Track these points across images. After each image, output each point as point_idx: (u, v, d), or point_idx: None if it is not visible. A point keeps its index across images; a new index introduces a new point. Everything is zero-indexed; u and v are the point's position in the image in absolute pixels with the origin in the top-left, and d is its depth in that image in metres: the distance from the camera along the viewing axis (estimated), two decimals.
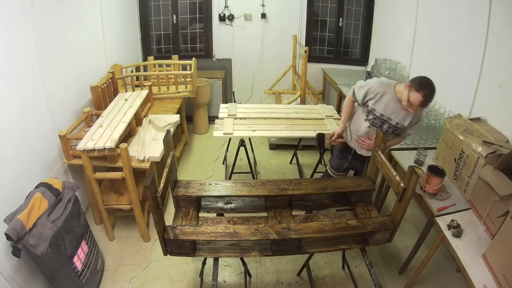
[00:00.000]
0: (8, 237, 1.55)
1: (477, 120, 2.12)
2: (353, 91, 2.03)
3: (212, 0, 4.12)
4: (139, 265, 2.30)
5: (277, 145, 3.80)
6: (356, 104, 2.08)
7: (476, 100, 2.27)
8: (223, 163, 3.49)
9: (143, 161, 2.29)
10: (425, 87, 1.71)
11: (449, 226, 1.72)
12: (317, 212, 1.94)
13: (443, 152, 2.14)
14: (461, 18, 2.45)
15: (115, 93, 2.96)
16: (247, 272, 2.11)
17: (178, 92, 3.47)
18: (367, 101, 1.96)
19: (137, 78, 3.30)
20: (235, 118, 2.72)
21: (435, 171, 1.94)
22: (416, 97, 1.72)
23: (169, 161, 1.63)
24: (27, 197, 1.78)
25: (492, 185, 1.62)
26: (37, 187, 1.82)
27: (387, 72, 3.27)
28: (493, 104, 2.13)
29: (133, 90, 3.07)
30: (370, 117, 1.98)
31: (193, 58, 3.46)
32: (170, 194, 2.97)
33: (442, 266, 2.31)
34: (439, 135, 2.27)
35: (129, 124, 2.46)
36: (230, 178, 2.83)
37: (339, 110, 3.72)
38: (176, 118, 2.83)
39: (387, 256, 2.43)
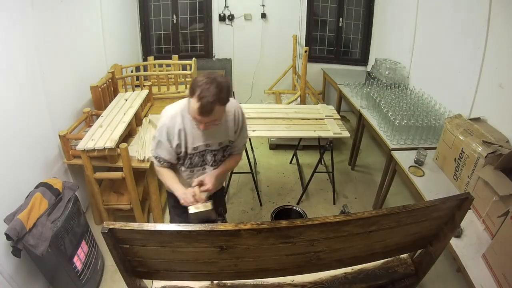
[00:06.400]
0: (8, 237, 1.55)
1: (477, 120, 2.12)
2: (154, 155, 1.54)
3: (212, 0, 4.12)
4: None
5: (277, 145, 3.79)
6: (168, 164, 1.54)
7: (476, 100, 2.27)
8: None
9: (143, 161, 2.29)
10: (200, 86, 1.23)
11: None
12: None
13: (443, 152, 2.14)
14: (461, 18, 2.45)
15: (115, 93, 2.95)
16: None
17: (178, 92, 3.47)
18: (176, 147, 1.47)
19: (137, 78, 3.29)
20: None
21: None
22: (193, 105, 1.27)
23: None
24: (27, 197, 1.78)
25: (492, 185, 1.62)
26: (37, 187, 1.82)
27: (387, 72, 3.27)
28: (493, 104, 2.12)
29: (133, 90, 3.07)
30: (187, 161, 1.53)
31: (193, 58, 3.46)
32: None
33: (442, 266, 2.31)
34: (439, 135, 2.27)
35: (129, 124, 2.46)
36: (230, 178, 2.83)
37: (339, 110, 3.72)
38: None
39: None
